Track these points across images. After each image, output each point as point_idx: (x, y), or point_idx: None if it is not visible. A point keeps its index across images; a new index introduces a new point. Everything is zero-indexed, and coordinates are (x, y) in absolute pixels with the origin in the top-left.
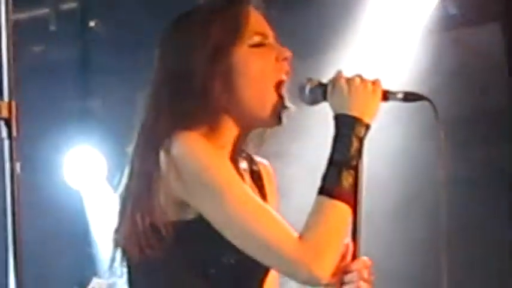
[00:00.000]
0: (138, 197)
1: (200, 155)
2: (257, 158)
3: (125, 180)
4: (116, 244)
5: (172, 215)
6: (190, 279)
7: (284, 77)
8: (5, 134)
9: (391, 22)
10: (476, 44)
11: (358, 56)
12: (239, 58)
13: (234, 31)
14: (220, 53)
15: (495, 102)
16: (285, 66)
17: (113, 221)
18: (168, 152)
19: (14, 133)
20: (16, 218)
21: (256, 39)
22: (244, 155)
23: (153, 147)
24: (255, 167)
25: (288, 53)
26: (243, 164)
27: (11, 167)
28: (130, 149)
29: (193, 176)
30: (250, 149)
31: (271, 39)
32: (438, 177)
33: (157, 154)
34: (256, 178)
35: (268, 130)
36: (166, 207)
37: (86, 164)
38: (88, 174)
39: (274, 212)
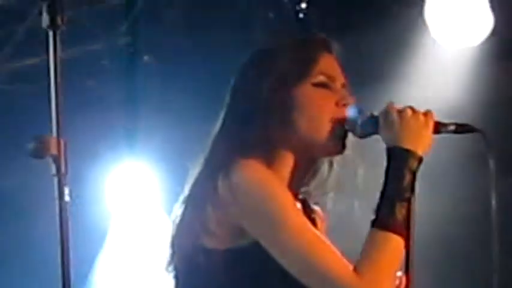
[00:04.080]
0: (192, 221)
1: (262, 182)
2: (313, 206)
3: (180, 203)
4: (168, 265)
5: (226, 241)
6: None
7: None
8: (54, 170)
9: (444, 51)
10: None
11: (410, 86)
12: (299, 93)
13: (300, 67)
14: (282, 86)
15: None
16: (344, 112)
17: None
18: (227, 178)
19: (63, 170)
20: (65, 247)
21: (321, 78)
22: (301, 198)
23: (211, 174)
24: (312, 214)
25: (350, 100)
26: (298, 205)
27: (59, 203)
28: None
29: (254, 202)
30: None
31: (338, 84)
32: (492, 207)
33: (215, 181)
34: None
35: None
36: (220, 232)
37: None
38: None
39: (331, 244)
